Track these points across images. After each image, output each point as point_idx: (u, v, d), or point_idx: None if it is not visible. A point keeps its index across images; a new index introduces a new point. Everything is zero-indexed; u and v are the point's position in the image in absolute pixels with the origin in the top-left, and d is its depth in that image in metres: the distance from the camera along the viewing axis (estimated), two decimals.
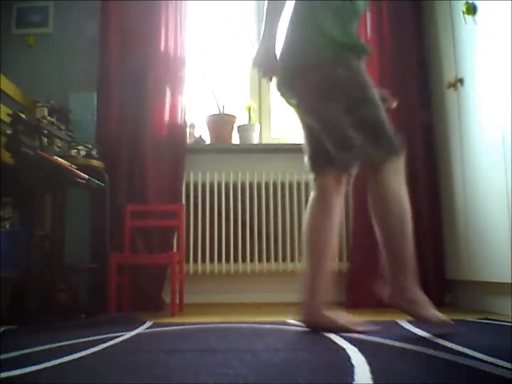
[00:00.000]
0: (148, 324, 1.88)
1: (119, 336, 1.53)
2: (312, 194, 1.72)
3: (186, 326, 1.77)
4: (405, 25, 2.79)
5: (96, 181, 2.42)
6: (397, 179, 1.60)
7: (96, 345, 1.36)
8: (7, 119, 2.18)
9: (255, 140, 2.92)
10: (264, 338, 1.49)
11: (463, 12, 2.30)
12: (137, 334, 1.60)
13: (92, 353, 1.25)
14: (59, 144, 2.45)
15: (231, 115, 2.92)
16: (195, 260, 2.73)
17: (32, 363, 1.11)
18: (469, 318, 1.93)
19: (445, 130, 2.59)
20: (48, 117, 2.48)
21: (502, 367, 1.01)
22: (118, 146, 2.69)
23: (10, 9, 2.97)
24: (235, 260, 2.72)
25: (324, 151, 1.65)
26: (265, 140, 3.02)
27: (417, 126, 2.71)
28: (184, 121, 2.81)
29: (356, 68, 1.56)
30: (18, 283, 2.16)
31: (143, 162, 2.68)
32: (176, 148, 2.77)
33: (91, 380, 0.98)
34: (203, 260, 2.72)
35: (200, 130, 2.97)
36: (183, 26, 2.89)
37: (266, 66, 1.70)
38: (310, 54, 1.58)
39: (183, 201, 2.74)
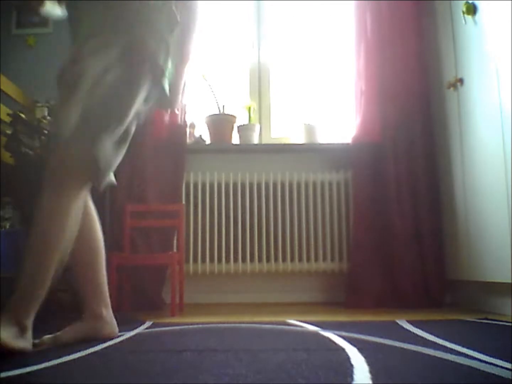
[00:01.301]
0: (147, 324, 1.88)
1: (119, 336, 1.53)
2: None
3: (186, 326, 1.78)
4: (405, 25, 2.79)
5: None
6: (52, 195, 1.30)
7: (96, 345, 1.36)
8: (7, 119, 2.18)
9: (255, 140, 2.93)
10: (264, 338, 1.49)
11: (463, 12, 2.30)
12: (137, 334, 1.60)
13: (92, 353, 1.25)
14: None
15: (231, 115, 2.92)
16: (195, 260, 2.73)
17: (32, 363, 1.11)
18: (469, 318, 1.94)
19: (445, 130, 2.59)
20: (48, 117, 2.48)
21: (502, 367, 1.01)
22: None
23: (10, 9, 2.97)
24: (235, 260, 2.72)
25: None
26: (265, 140, 3.02)
27: (417, 126, 2.72)
28: (184, 121, 2.81)
29: None
30: (18, 283, 2.16)
31: (143, 162, 2.68)
32: (176, 148, 2.77)
33: (91, 380, 0.98)
34: (203, 260, 2.72)
35: (200, 130, 2.97)
36: None
37: None
38: None
39: (183, 201, 2.75)
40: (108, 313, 1.52)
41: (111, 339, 1.48)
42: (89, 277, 1.51)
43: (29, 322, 1.27)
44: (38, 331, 1.72)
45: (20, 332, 1.24)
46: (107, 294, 1.53)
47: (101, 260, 1.54)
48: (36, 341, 1.32)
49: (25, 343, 1.24)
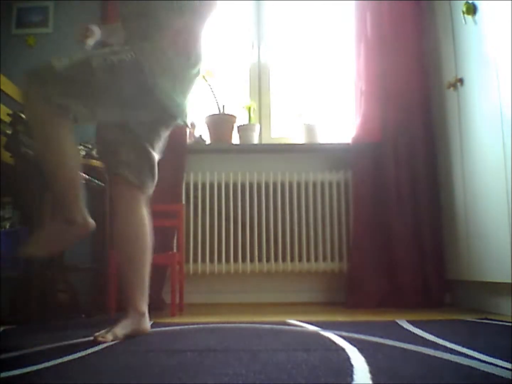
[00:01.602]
0: None
1: None
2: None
3: (186, 326, 1.77)
4: (405, 25, 2.79)
5: (96, 181, 2.43)
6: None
7: (96, 345, 1.36)
8: (7, 119, 2.18)
9: (255, 140, 2.93)
10: (264, 338, 1.49)
11: (463, 12, 2.30)
12: None
13: (92, 353, 1.25)
14: None
15: (231, 115, 2.92)
16: (195, 260, 2.73)
17: (32, 363, 1.11)
18: (469, 318, 1.94)
19: (445, 130, 2.59)
20: None
21: (502, 367, 1.01)
22: None
23: (10, 9, 2.97)
24: (235, 260, 2.72)
25: None
26: (265, 140, 3.02)
27: (417, 126, 2.72)
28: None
29: None
30: (18, 283, 2.16)
31: None
32: (176, 148, 2.77)
33: (91, 380, 0.98)
34: (203, 260, 2.72)
35: (200, 130, 2.97)
36: None
37: None
38: None
39: (183, 201, 2.75)
40: (146, 310, 1.60)
41: (146, 334, 1.56)
42: (131, 274, 1.59)
43: (77, 214, 1.48)
44: (38, 331, 1.72)
45: (68, 224, 1.47)
46: (147, 291, 1.61)
47: (144, 258, 1.61)
48: (93, 336, 1.44)
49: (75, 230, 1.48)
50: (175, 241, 2.67)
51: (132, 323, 1.54)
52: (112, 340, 1.43)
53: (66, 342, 1.43)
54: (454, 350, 1.21)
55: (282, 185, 2.80)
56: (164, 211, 2.66)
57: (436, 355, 1.16)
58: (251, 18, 3.15)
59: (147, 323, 1.59)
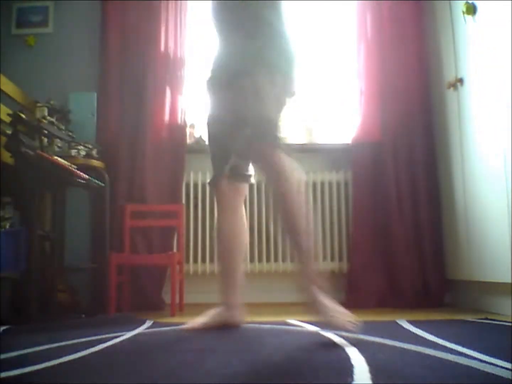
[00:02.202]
0: (148, 324, 1.88)
1: (119, 336, 1.53)
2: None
3: None
4: (405, 25, 2.79)
5: (96, 181, 2.42)
6: None
7: (96, 345, 1.36)
8: (7, 119, 2.18)
9: None
10: (264, 338, 1.49)
11: (463, 12, 2.30)
12: (137, 334, 1.60)
13: (92, 353, 1.25)
14: (59, 144, 2.45)
15: None
16: (195, 260, 2.73)
17: (32, 363, 1.11)
18: (469, 318, 1.93)
19: (445, 130, 2.59)
20: (48, 117, 2.48)
21: (502, 367, 1.01)
22: (118, 146, 2.69)
23: (10, 9, 2.97)
24: None
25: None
26: None
27: (417, 126, 2.72)
28: (184, 121, 2.81)
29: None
30: (18, 283, 2.16)
31: (143, 162, 2.68)
32: (176, 148, 2.77)
33: (91, 380, 0.98)
34: (203, 260, 2.72)
35: (200, 130, 2.96)
36: (183, 26, 2.89)
37: None
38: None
39: (183, 201, 2.75)
40: (238, 303, 1.72)
41: (239, 327, 1.68)
42: (230, 271, 1.73)
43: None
44: (38, 331, 1.72)
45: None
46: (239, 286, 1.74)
47: (240, 257, 1.76)
48: (185, 325, 1.65)
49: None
50: (175, 241, 2.67)
51: (224, 314, 1.69)
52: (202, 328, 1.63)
53: (66, 342, 1.43)
54: (454, 350, 1.21)
55: None
56: (164, 211, 2.66)
57: (436, 355, 1.16)
58: None
59: (237, 316, 1.72)
